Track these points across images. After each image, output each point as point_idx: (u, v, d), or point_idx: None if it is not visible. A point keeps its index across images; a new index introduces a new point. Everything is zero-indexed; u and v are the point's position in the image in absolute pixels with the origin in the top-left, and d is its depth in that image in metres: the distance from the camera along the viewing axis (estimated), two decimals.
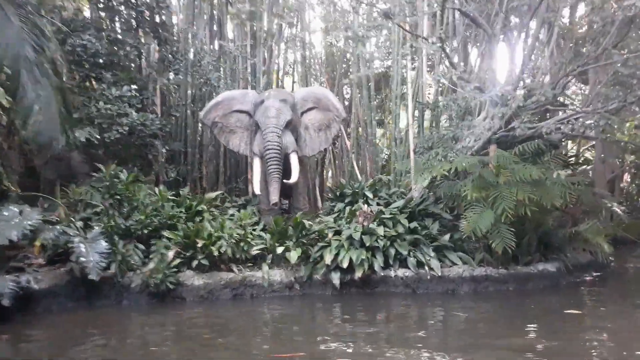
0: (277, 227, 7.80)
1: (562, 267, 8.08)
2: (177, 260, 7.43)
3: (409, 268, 7.53)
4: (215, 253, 7.37)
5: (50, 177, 9.66)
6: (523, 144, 8.10)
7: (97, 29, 9.48)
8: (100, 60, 9.49)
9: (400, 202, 8.69)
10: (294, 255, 7.40)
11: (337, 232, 7.78)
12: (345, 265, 7.26)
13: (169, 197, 8.75)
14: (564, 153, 10.13)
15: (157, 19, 10.34)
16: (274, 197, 8.63)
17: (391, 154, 12.35)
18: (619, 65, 7.77)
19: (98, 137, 9.15)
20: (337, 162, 13.42)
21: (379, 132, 14.91)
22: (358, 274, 7.27)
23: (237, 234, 7.69)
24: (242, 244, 7.65)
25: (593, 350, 4.98)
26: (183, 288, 7.35)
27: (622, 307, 6.92)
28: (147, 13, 9.89)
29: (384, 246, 7.54)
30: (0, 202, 7.17)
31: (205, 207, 8.81)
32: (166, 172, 10.86)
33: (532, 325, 5.80)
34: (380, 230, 7.79)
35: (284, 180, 8.78)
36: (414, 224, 8.02)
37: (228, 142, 9.78)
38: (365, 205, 8.55)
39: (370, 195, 9.33)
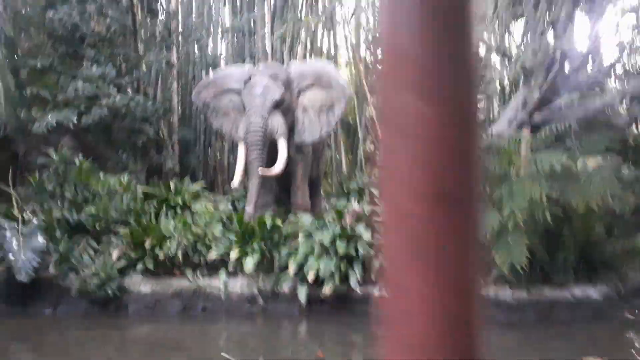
0: (240, 227, 6.46)
1: (612, 293, 6.05)
2: (123, 262, 6.37)
3: None
4: (161, 256, 6.21)
5: (38, 164, 9.03)
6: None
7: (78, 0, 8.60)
8: (78, 35, 8.63)
9: None
10: (249, 262, 6.05)
11: (309, 236, 6.32)
12: (310, 277, 5.82)
13: (143, 189, 7.75)
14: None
15: None
16: (252, 191, 7.38)
17: None
18: None
19: (74, 121, 8.32)
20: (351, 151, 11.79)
21: None
22: (326, 289, 5.81)
23: (194, 234, 6.48)
24: (199, 245, 6.43)
25: None
26: (127, 295, 6.30)
27: None
28: None
29: (365, 256, 5.98)
30: None
31: (181, 201, 7.67)
32: (162, 162, 9.91)
33: None
34: (367, 235, 6.23)
35: (266, 171, 7.42)
36: None
37: (221, 126, 8.50)
38: (356, 203, 7.00)
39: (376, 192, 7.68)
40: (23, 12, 8.90)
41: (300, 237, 6.28)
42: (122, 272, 6.36)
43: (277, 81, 7.90)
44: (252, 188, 7.47)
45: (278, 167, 7.49)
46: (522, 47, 8.51)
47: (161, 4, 9.86)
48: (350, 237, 6.12)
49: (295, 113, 8.17)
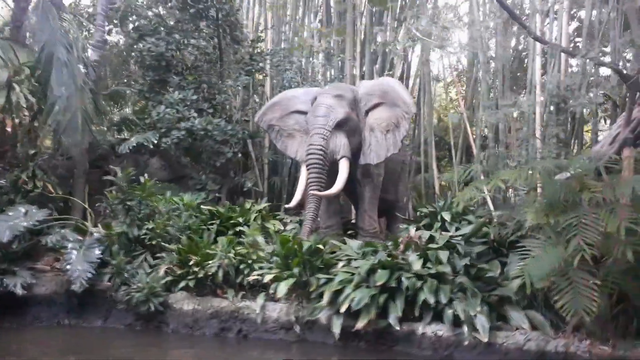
0: (283, 249, 6.10)
1: None
2: (169, 278, 6.37)
3: (445, 323, 5.09)
4: (200, 274, 6.08)
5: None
6: None
7: (165, 32, 9.17)
8: (164, 64, 9.16)
9: (468, 228, 6.14)
10: (282, 287, 5.63)
11: (349, 262, 5.74)
12: (343, 308, 5.24)
13: (207, 208, 7.82)
14: None
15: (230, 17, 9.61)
16: (309, 210, 7.05)
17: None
18: None
19: (155, 141, 8.77)
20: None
21: None
22: (361, 322, 5.15)
23: (239, 253, 6.28)
24: (242, 266, 6.21)
25: None
26: (170, 312, 6.25)
27: None
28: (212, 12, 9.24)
29: (409, 288, 5.25)
30: (14, 201, 7.12)
31: (242, 219, 7.58)
32: (243, 183, 10.00)
33: None
34: (417, 265, 5.52)
35: (321, 192, 7.04)
36: (465, 261, 5.49)
37: (286, 149, 8.30)
38: (414, 230, 6.28)
39: (448, 218, 6.85)
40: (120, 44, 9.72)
41: (341, 264, 5.75)
42: (169, 288, 6.36)
43: (343, 101, 7.57)
44: (308, 212, 7.12)
45: (334, 189, 7.07)
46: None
47: (247, 32, 10.17)
48: (394, 266, 5.44)
49: (363, 133, 7.76)
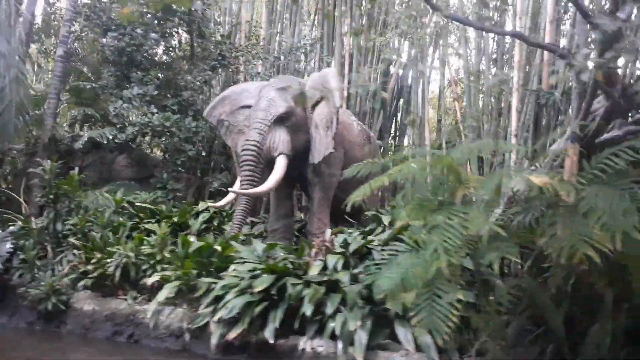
0: (184, 251, 5.61)
1: None
2: (74, 276, 6.04)
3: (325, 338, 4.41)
4: (96, 273, 5.70)
5: (93, 179, 9.52)
6: None
7: (124, 27, 8.99)
8: (125, 59, 8.96)
9: (387, 233, 5.42)
10: (164, 292, 5.14)
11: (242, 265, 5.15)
12: (217, 317, 4.68)
13: (144, 205, 7.48)
14: None
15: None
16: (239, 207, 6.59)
17: None
18: None
19: (109, 137, 8.57)
20: None
21: None
22: (233, 333, 4.57)
23: (142, 253, 5.85)
24: (145, 266, 5.78)
25: None
26: (70, 311, 5.90)
27: None
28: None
29: (292, 296, 4.60)
30: None
31: (179, 220, 7.19)
32: (210, 183, 9.64)
33: None
34: (315, 271, 4.88)
35: (248, 191, 6.51)
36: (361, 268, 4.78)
37: (236, 146, 7.76)
38: (328, 233, 5.63)
39: (386, 222, 6.14)
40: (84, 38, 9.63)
41: (232, 267, 5.17)
42: (76, 287, 6.03)
43: (287, 94, 7.05)
44: (236, 214, 6.61)
45: (263, 187, 6.53)
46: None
47: (217, 29, 9.82)
48: (283, 272, 4.82)
49: (310, 130, 7.20)
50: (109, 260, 5.78)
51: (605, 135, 5.45)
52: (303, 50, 10.08)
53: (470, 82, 8.21)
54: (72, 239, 6.35)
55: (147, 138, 9.22)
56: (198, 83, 8.91)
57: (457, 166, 3.66)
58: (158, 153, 10.68)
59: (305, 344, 4.51)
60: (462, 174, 3.65)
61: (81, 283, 5.91)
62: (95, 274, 5.78)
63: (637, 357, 3.87)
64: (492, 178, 3.45)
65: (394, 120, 12.16)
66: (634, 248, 3.76)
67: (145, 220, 7.22)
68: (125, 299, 5.71)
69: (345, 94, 11.17)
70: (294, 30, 10.86)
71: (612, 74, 4.94)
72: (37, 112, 9.38)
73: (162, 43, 9.20)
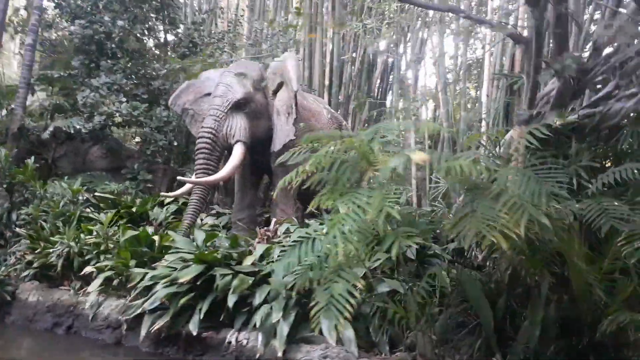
0: (125, 240, 5.45)
1: None
2: (20, 266, 5.94)
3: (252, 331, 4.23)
4: (36, 264, 5.58)
5: (66, 170, 9.44)
6: None
7: (93, 14, 8.84)
8: (93, 47, 8.82)
9: None
10: (96, 282, 5.00)
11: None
12: (147, 305, 4.52)
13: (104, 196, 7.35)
14: None
15: None
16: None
17: None
18: None
19: (76, 127, 8.45)
20: None
21: None
22: (157, 325, 4.41)
23: (87, 243, 5.71)
24: (89, 257, 5.64)
25: None
26: (16, 302, 5.80)
27: None
28: None
29: (219, 288, 4.41)
30: None
31: (139, 211, 7.04)
32: (184, 173, 9.46)
33: None
34: (249, 261, 4.69)
35: (202, 180, 6.33)
36: None
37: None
38: (273, 222, 5.43)
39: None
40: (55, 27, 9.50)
41: (167, 257, 5.00)
42: (20, 278, 5.93)
43: (245, 80, 6.84)
44: (190, 204, 6.42)
45: (218, 175, 6.34)
46: None
47: (185, 16, 9.64)
48: (214, 262, 4.63)
49: (272, 117, 7.00)
50: (51, 250, 5.64)
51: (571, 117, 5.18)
52: (281, 37, 9.84)
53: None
54: (19, 229, 6.22)
55: (119, 128, 9.05)
56: (164, 71, 8.70)
57: (366, 147, 3.42)
58: (135, 143, 10.55)
59: (231, 336, 4.33)
60: (371, 156, 3.40)
61: (25, 273, 5.78)
62: (37, 264, 5.65)
63: (568, 352, 3.62)
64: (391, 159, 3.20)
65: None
66: (567, 237, 3.54)
67: (105, 211, 7.09)
68: (68, 290, 5.59)
69: (327, 82, 10.98)
70: (275, 17, 10.65)
71: (562, 47, 4.66)
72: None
73: (131, 31, 9.00)
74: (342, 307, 3.03)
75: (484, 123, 6.89)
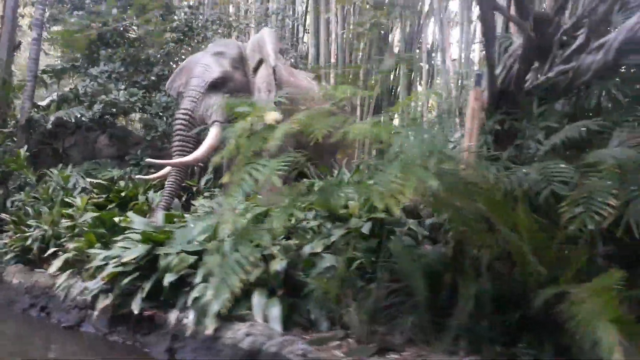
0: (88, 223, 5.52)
1: None
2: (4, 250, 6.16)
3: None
4: (16, 246, 5.77)
5: (76, 159, 9.76)
6: None
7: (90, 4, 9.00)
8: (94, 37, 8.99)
9: None
10: (57, 262, 5.08)
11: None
12: (90, 286, 4.54)
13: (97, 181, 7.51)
14: None
15: None
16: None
17: None
18: None
19: (77, 116, 8.68)
20: None
21: None
22: (100, 304, 4.43)
23: (59, 226, 5.84)
24: (63, 239, 5.76)
25: None
26: (2, 285, 6.03)
27: None
28: None
29: (161, 267, 4.36)
30: None
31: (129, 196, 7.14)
32: None
33: None
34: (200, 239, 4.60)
35: (176, 161, 6.32)
36: None
37: None
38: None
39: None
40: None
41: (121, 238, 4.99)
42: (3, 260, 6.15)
43: (223, 59, 6.79)
44: (166, 186, 6.42)
45: (192, 156, 6.30)
46: None
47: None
48: (157, 242, 4.57)
49: (254, 95, 6.87)
50: (28, 234, 5.80)
51: (541, 79, 4.77)
52: (278, 17, 9.66)
53: None
54: (4, 215, 6.45)
55: (119, 116, 9.21)
56: (159, 56, 8.74)
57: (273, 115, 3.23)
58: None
59: (172, 315, 4.27)
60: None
61: (8, 257, 5.99)
62: (17, 248, 5.82)
63: (502, 327, 3.30)
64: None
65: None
66: (498, 207, 3.24)
67: (98, 196, 7.24)
68: (44, 272, 5.73)
69: (334, 60, 10.74)
70: None
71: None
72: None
73: (126, 19, 9.09)
74: (232, 282, 2.89)
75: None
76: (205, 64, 6.65)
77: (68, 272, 5.36)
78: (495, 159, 4.04)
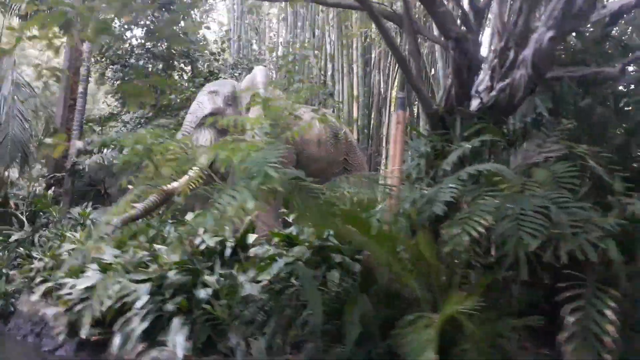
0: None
1: None
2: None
3: None
4: (20, 278, 6.36)
5: (116, 199, 10.63)
6: None
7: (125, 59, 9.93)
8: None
9: None
10: (38, 291, 5.53)
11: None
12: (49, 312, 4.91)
13: None
14: None
15: None
16: None
17: None
18: None
19: (110, 158, 9.50)
20: None
21: None
22: (59, 328, 4.77)
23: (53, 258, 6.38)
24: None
25: None
26: (15, 314, 6.62)
27: None
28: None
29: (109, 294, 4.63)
30: None
31: None
32: None
33: None
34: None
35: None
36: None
37: None
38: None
39: None
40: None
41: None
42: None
43: (217, 97, 7.26)
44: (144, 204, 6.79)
45: (172, 184, 6.63)
46: None
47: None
48: (111, 270, 4.86)
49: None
50: (32, 266, 6.39)
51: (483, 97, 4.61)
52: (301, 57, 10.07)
53: None
54: (19, 249, 7.14)
55: None
56: (179, 101, 9.41)
57: None
58: None
59: (114, 339, 4.49)
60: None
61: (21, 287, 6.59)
62: (26, 278, 6.41)
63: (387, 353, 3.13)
64: None
65: None
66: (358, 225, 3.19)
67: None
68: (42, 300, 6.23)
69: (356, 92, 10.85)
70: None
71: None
72: None
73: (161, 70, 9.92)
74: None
75: None
76: (199, 102, 7.10)
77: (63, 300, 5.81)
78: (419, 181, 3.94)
